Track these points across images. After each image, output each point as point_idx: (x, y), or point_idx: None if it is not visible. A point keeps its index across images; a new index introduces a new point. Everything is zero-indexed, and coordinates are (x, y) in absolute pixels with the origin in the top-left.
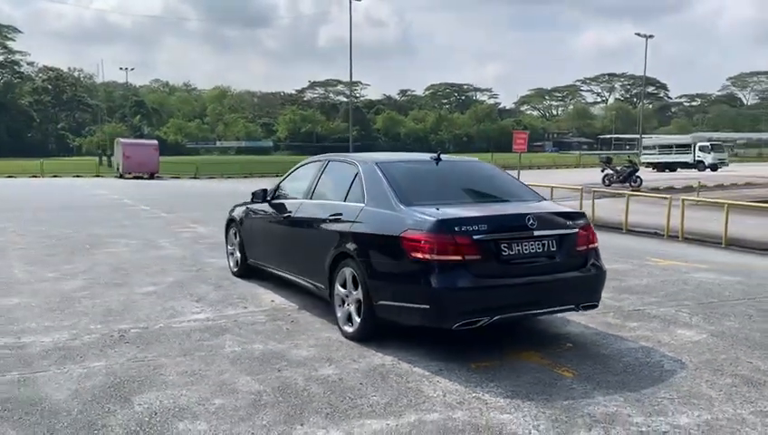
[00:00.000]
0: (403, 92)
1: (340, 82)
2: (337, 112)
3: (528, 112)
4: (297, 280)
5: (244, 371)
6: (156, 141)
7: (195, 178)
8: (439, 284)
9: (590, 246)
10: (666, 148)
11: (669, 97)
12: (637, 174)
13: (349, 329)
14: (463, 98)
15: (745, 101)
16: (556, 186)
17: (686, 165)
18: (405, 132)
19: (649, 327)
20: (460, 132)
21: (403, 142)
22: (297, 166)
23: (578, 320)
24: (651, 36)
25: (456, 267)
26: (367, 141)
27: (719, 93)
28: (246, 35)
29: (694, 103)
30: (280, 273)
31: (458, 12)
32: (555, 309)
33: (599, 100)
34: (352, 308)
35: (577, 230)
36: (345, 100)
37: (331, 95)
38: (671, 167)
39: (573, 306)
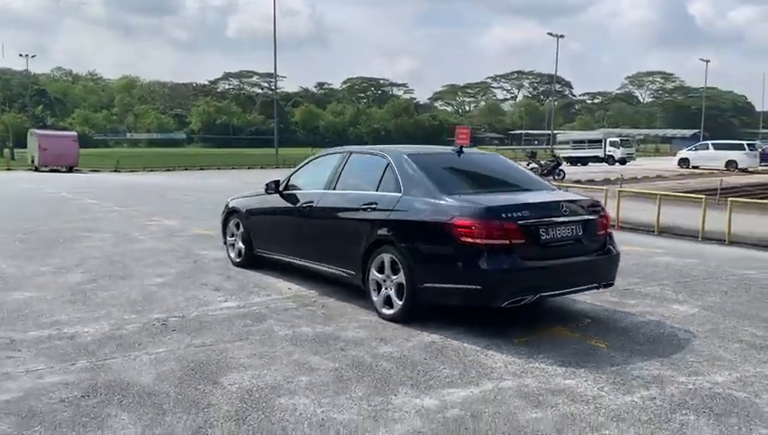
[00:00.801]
0: (320, 85)
1: (255, 73)
2: (253, 104)
3: (442, 108)
4: (319, 268)
5: (310, 351)
6: (75, 133)
7: (116, 171)
8: (491, 266)
9: (607, 230)
10: (579, 143)
11: (573, 95)
12: (560, 168)
13: (388, 311)
14: (379, 92)
15: (642, 100)
16: None
17: (597, 159)
18: (323, 125)
19: (647, 304)
20: (378, 126)
21: (321, 136)
22: (310, 159)
23: (582, 299)
24: (562, 36)
25: (504, 251)
26: (285, 135)
27: (618, 92)
28: (152, 23)
29: (595, 101)
30: (296, 261)
31: (369, 6)
32: (583, 287)
33: (508, 96)
34: (392, 292)
35: (597, 217)
36: (261, 91)
37: (246, 87)
38: (583, 161)
39: (597, 285)
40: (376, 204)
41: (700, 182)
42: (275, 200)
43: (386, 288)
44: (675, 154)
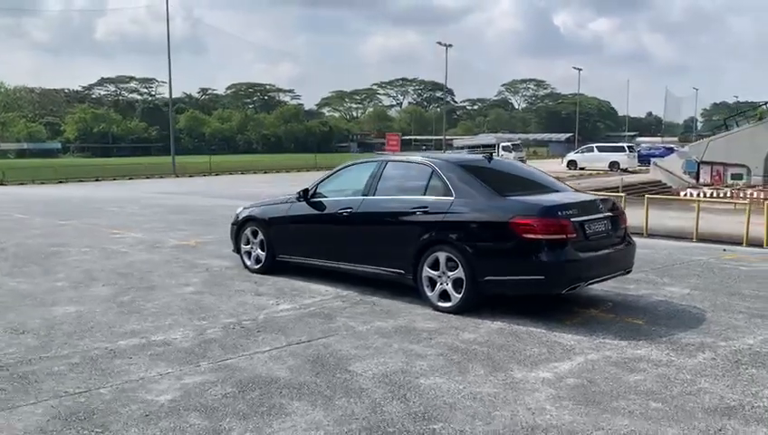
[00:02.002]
0: (204, 91)
1: (133, 78)
2: (134, 111)
3: (330, 114)
4: (362, 269)
5: (404, 341)
6: None
7: (2, 184)
8: (553, 258)
9: (626, 225)
10: (474, 148)
11: (455, 101)
12: None
13: (444, 304)
14: (266, 98)
15: (517, 106)
16: None
17: None
18: (210, 132)
19: (645, 287)
20: (268, 133)
21: (208, 143)
22: (338, 169)
23: (590, 286)
24: (450, 45)
25: (561, 244)
26: (169, 141)
27: (496, 98)
28: (9, 25)
29: (475, 107)
30: (329, 264)
31: (247, 12)
32: (615, 274)
33: (394, 103)
34: (448, 286)
35: (618, 212)
36: (140, 97)
37: (124, 92)
38: None
39: (623, 271)
40: (426, 207)
41: (596, 181)
42: (303, 208)
43: (441, 283)
44: (554, 157)
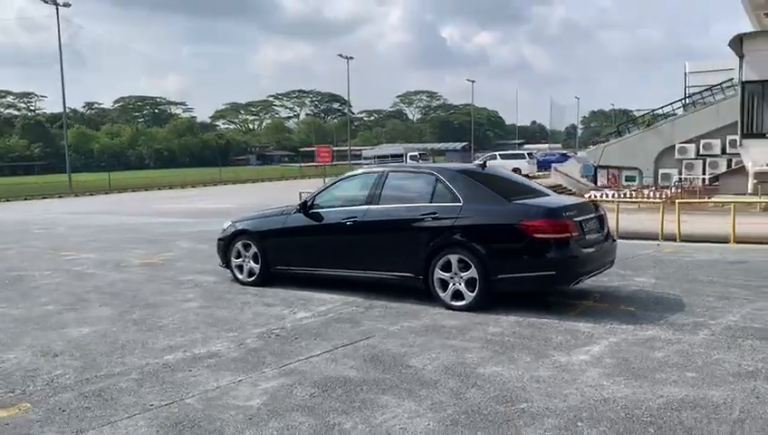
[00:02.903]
0: (89, 105)
1: (9, 93)
2: (12, 128)
3: (224, 126)
4: (369, 275)
5: (441, 337)
6: None
7: None
8: (562, 254)
9: (609, 223)
10: (383, 158)
11: (353, 112)
12: None
13: (458, 303)
14: (156, 111)
15: (411, 116)
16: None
17: None
18: (99, 148)
19: (617, 279)
20: (161, 147)
21: (97, 159)
22: (335, 181)
23: None
24: (352, 58)
25: (568, 242)
26: (54, 159)
27: (391, 109)
28: None
29: (371, 118)
30: (333, 272)
31: (129, 24)
32: (605, 268)
33: (292, 114)
34: (461, 286)
35: (603, 213)
36: (19, 113)
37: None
38: None
39: (609, 265)
40: (436, 213)
41: None
42: (302, 219)
43: (454, 284)
44: None
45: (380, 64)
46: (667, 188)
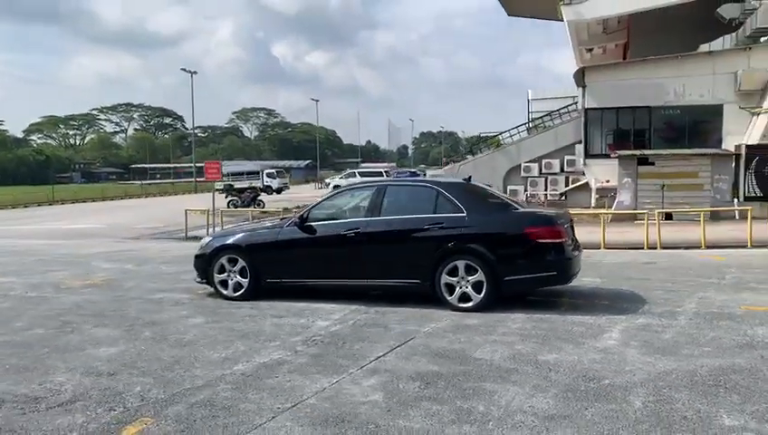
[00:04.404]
0: None
1: None
2: None
3: (42, 141)
4: (374, 284)
5: (479, 334)
6: None
7: None
8: (562, 256)
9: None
10: (238, 175)
11: (186, 128)
12: (259, 198)
13: (466, 304)
14: None
15: (249, 133)
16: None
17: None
18: None
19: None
20: None
21: None
22: (331, 195)
23: None
24: (195, 72)
25: (564, 245)
26: None
27: (227, 126)
28: None
29: (207, 134)
30: (333, 283)
31: None
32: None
33: (119, 129)
34: (469, 289)
35: (573, 222)
36: None
37: None
38: (240, 191)
39: (579, 270)
40: (442, 223)
41: None
42: (296, 232)
43: (461, 287)
44: (300, 183)
45: (211, 80)
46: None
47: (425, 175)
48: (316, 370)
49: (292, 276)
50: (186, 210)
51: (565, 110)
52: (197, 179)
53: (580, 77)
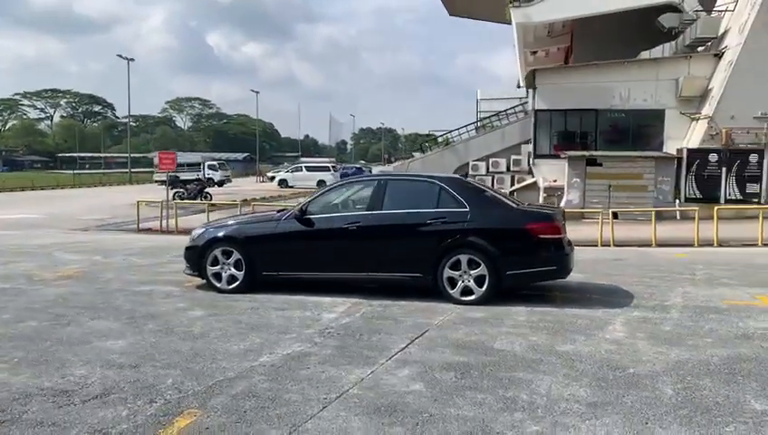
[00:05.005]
0: None
1: None
2: None
3: None
4: (375, 277)
5: (490, 327)
6: None
7: None
8: (562, 251)
9: None
10: (180, 166)
11: (116, 116)
12: (206, 190)
13: (468, 298)
14: None
15: (182, 124)
16: (150, 200)
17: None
18: None
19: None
20: None
21: None
22: (326, 189)
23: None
24: (132, 60)
25: (562, 241)
26: None
27: (160, 115)
28: None
29: (137, 124)
30: (332, 276)
31: None
32: None
33: (44, 116)
34: (471, 283)
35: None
36: None
37: None
38: (185, 183)
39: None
40: (445, 218)
41: None
42: (294, 225)
43: (463, 281)
44: (240, 176)
45: (143, 68)
46: None
47: (370, 171)
48: (345, 361)
49: (291, 269)
50: (138, 202)
51: (512, 111)
52: (138, 170)
53: (530, 79)
